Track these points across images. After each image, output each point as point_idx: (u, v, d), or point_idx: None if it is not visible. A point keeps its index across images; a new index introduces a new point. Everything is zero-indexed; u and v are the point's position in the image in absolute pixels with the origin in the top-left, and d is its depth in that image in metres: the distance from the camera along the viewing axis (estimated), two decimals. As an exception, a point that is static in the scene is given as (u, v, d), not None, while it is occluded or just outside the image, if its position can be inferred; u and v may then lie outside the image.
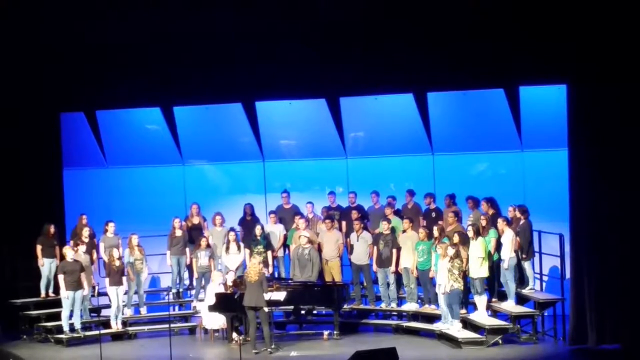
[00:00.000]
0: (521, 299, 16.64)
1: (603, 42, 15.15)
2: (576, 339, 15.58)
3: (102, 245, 18.27)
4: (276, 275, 18.30)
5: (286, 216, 18.74)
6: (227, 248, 18.17)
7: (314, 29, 16.51)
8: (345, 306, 17.76)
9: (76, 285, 17.09)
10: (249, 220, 18.65)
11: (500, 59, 16.08)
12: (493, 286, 16.84)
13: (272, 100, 18.73)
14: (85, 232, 18.04)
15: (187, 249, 18.48)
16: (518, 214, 16.63)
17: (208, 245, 18.23)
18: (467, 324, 16.41)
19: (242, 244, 18.30)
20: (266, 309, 16.07)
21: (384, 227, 17.64)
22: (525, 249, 16.44)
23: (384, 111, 18.73)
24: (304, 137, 19.63)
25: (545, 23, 15.53)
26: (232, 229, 18.32)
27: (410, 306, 17.56)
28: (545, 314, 16.55)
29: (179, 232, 18.48)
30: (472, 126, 18.47)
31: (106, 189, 19.97)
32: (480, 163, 19.07)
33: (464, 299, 16.60)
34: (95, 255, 18.28)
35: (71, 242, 17.95)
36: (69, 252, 17.23)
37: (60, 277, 17.07)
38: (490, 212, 17.01)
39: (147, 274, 18.48)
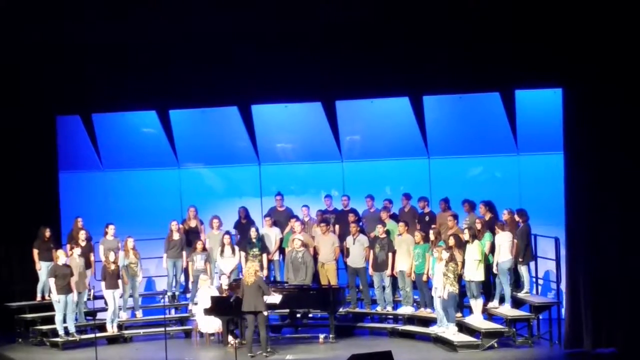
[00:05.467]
0: (517, 303, 16.65)
1: (599, 46, 15.17)
2: (572, 342, 15.60)
3: (101, 248, 18.25)
4: (272, 278, 18.31)
5: (280, 219, 18.74)
6: (222, 251, 18.16)
7: (310, 31, 16.51)
8: (340, 309, 17.76)
9: (67, 289, 17.08)
10: (243, 223, 18.64)
11: (495, 62, 16.09)
12: (489, 289, 16.86)
13: (268, 103, 18.72)
14: (82, 235, 18.03)
15: (184, 252, 18.47)
16: (517, 218, 16.63)
17: (204, 249, 18.22)
18: (463, 328, 16.42)
19: (236, 247, 18.30)
20: (265, 313, 16.07)
21: (379, 231, 17.64)
22: (523, 253, 16.44)
23: (380, 114, 18.74)
24: (300, 141, 19.63)
25: (540, 26, 15.55)
26: (227, 233, 18.33)
27: (406, 309, 17.57)
28: (541, 317, 16.57)
29: (176, 236, 18.47)
30: (468, 130, 18.48)
31: (102, 192, 19.96)
32: (476, 166, 19.06)
33: (460, 302, 16.62)
34: (92, 258, 18.26)
35: (67, 246, 17.94)
36: (61, 255, 17.21)
37: (51, 281, 17.05)
38: (488, 215, 17.04)
39: (142, 278, 18.46)
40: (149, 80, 17.32)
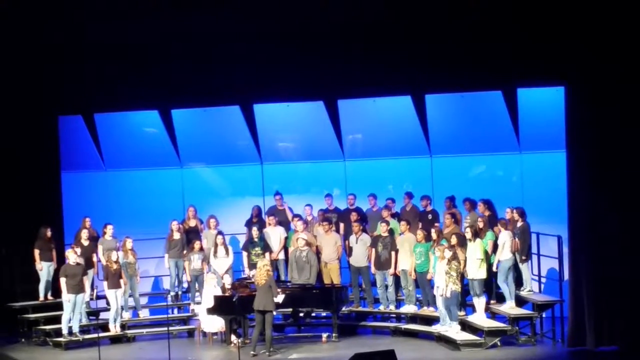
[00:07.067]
0: (519, 301, 16.64)
1: (601, 44, 15.16)
2: (574, 340, 15.59)
3: (100, 248, 18.25)
4: (275, 277, 18.28)
5: (280, 218, 18.71)
6: (215, 252, 18.15)
7: (312, 31, 16.51)
8: (343, 308, 17.75)
9: (78, 289, 17.08)
10: (255, 222, 18.62)
11: (498, 60, 16.09)
12: (491, 288, 16.86)
13: (270, 102, 18.73)
14: (84, 234, 18.03)
15: (185, 252, 18.47)
16: (516, 216, 16.63)
17: (201, 249, 18.21)
18: (466, 326, 16.42)
19: (230, 247, 18.28)
20: (274, 313, 16.07)
21: (382, 230, 17.64)
22: (525, 251, 16.44)
23: (382, 113, 18.74)
24: (302, 140, 19.63)
25: (542, 24, 15.54)
26: (220, 233, 18.30)
27: (409, 308, 17.56)
28: (544, 315, 16.57)
29: (177, 235, 18.47)
30: (470, 128, 18.48)
31: (104, 192, 19.96)
32: (478, 165, 19.08)
33: (462, 301, 16.62)
34: (95, 258, 18.27)
35: (72, 245, 17.92)
36: (71, 255, 17.21)
37: (62, 280, 17.06)
38: (487, 213, 17.04)
39: (140, 278, 18.42)
40: (151, 79, 17.35)
